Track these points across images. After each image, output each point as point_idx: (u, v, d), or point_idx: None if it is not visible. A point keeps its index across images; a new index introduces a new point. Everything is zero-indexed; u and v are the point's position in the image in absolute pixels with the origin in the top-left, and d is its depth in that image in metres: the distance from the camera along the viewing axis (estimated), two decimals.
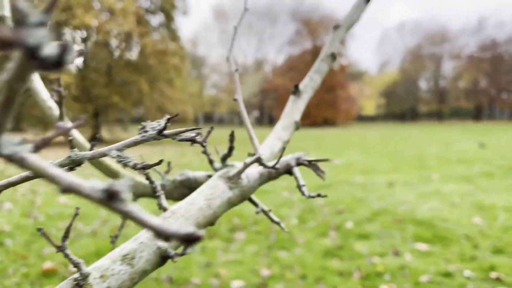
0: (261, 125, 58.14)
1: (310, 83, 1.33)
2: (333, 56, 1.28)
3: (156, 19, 22.56)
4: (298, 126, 1.28)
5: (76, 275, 0.69)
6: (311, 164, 1.13)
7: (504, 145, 16.19)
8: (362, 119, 71.65)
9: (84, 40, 20.74)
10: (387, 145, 17.21)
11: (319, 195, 1.05)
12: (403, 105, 68.49)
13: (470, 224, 5.08)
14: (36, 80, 1.30)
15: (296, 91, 1.29)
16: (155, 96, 20.15)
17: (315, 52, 51.42)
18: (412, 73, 65.37)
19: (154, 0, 21.20)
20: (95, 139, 0.78)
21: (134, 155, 0.75)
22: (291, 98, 1.32)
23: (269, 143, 1.20)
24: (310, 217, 5.51)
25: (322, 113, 48.11)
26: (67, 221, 5.47)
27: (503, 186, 7.49)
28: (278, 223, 1.11)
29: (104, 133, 23.51)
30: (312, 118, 48.44)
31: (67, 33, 20.49)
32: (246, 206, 5.23)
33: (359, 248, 4.29)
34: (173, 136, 0.76)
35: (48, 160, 0.43)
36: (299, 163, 1.12)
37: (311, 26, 51.63)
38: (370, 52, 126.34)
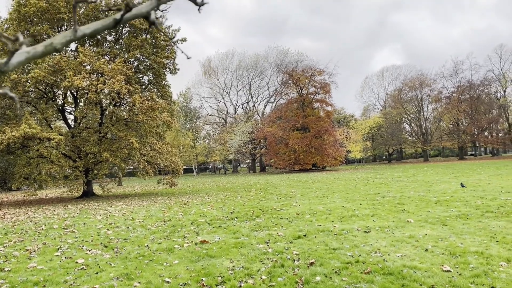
0: (253, 172, 58.09)
1: None
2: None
3: (147, 77, 23.30)
4: None
5: None
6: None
7: (484, 184, 16.34)
8: (351, 162, 72.21)
9: (76, 100, 21.06)
10: (370, 188, 17.24)
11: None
12: (388, 148, 69.46)
13: (440, 273, 5.02)
14: None
15: None
16: (146, 150, 20.27)
17: (300, 101, 52.67)
18: (395, 117, 66.92)
19: (145, 61, 21.94)
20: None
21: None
22: None
23: None
24: (280, 271, 5.39)
25: (311, 159, 48.45)
26: None
27: (477, 229, 7.48)
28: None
29: (96, 188, 23.22)
30: (301, 164, 48.69)
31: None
32: (216, 263, 5.15)
33: None
34: None
35: None
36: None
37: (295, 76, 53.25)
38: (353, 98, 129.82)
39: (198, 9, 1.04)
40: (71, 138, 18.71)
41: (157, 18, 0.93)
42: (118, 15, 0.84)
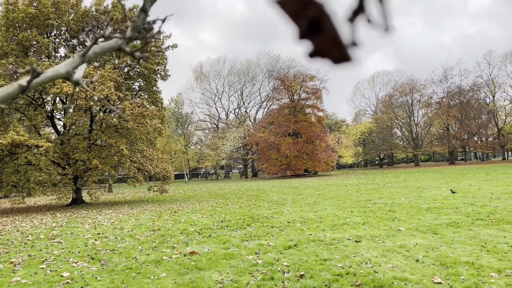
0: (245, 178, 57.93)
1: None
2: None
3: (137, 83, 23.15)
4: None
5: None
6: None
7: (475, 190, 16.42)
8: (342, 167, 72.41)
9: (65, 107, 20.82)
10: (361, 195, 17.22)
11: None
12: (380, 153, 69.82)
13: (431, 285, 4.97)
14: None
15: None
16: (136, 157, 20.07)
17: (292, 107, 52.75)
18: (386, 122, 67.33)
19: (135, 67, 21.78)
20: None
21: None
22: None
23: None
24: (269, 285, 5.30)
25: (303, 164, 48.47)
26: None
27: (468, 237, 7.47)
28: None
29: (86, 196, 22.91)
30: (293, 169, 48.69)
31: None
32: (205, 276, 5.03)
33: None
34: None
35: None
36: None
37: (287, 82, 53.33)
38: (345, 103, 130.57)
39: (138, 61, 0.97)
40: (60, 145, 18.48)
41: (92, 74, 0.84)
42: (24, 81, 0.75)
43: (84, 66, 0.84)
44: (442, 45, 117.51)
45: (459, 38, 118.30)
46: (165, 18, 0.97)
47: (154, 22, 0.96)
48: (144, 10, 0.92)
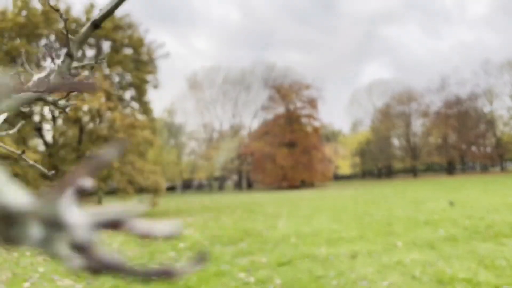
0: (240, 189, 57.56)
1: None
2: None
3: (128, 93, 22.98)
4: None
5: None
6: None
7: (473, 202, 16.23)
8: (339, 178, 72.08)
9: (54, 118, 20.59)
10: (358, 207, 17.00)
11: None
12: (377, 163, 69.60)
13: None
14: None
15: None
16: (127, 169, 19.77)
17: (287, 116, 52.70)
18: (384, 132, 67.28)
19: (126, 76, 21.64)
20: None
21: None
22: None
23: None
24: None
25: (299, 175, 48.24)
26: None
27: (465, 252, 7.25)
28: None
29: None
30: (289, 181, 48.40)
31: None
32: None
33: None
34: None
35: None
36: None
37: (283, 91, 53.37)
38: (342, 113, 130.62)
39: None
40: (49, 157, 18.19)
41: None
42: None
43: (1, 118, 0.74)
44: (441, 52, 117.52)
45: (457, 45, 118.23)
46: (96, 62, 0.90)
47: (82, 67, 0.90)
48: (70, 55, 0.86)
